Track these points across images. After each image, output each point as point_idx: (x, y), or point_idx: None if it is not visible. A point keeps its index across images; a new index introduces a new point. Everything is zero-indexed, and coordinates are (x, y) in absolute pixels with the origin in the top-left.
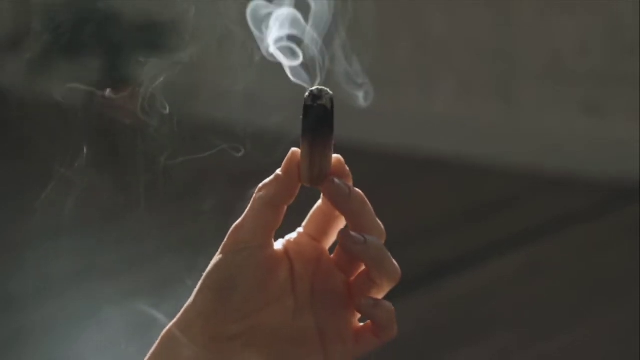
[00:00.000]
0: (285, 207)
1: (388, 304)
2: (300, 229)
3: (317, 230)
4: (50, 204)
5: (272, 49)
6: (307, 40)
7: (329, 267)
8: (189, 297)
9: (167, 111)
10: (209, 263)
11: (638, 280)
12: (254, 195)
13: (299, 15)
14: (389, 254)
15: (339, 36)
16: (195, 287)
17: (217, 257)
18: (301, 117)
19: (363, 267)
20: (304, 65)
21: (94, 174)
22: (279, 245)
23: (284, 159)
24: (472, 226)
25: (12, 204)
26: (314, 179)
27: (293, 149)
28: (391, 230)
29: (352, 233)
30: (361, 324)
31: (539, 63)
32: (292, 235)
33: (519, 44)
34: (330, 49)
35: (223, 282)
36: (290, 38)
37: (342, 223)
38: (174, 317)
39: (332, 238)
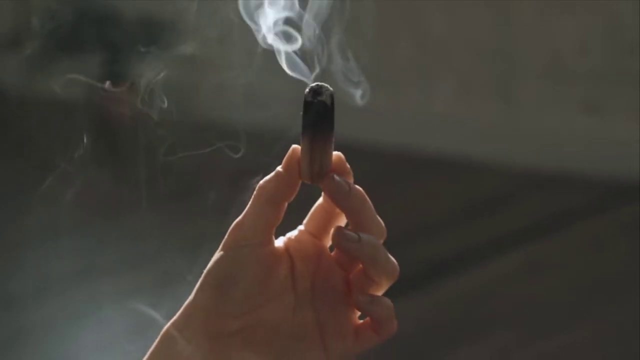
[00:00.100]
0: (286, 204)
1: (386, 300)
2: (301, 227)
3: (318, 227)
4: (50, 203)
5: (269, 35)
6: (304, 27)
7: (329, 264)
8: (189, 295)
9: (166, 106)
10: (209, 261)
11: (637, 278)
12: (255, 192)
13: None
14: (385, 251)
15: (337, 33)
16: (195, 284)
17: (217, 254)
18: (301, 113)
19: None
20: (300, 55)
21: (93, 173)
22: (279, 242)
23: (284, 156)
24: (472, 225)
25: (12, 204)
26: (314, 176)
27: (294, 145)
28: (391, 229)
29: (346, 231)
30: (361, 321)
31: (539, 63)
32: (293, 233)
33: (519, 43)
34: (328, 39)
35: (223, 278)
36: (287, 22)
37: (343, 220)
38: (174, 315)
39: None
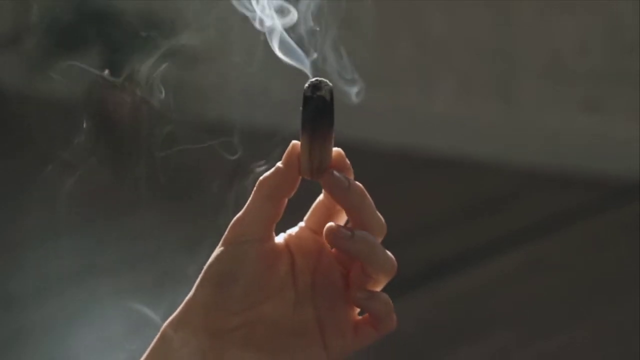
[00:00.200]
0: (286, 200)
1: (384, 296)
2: (302, 223)
3: (318, 224)
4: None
5: (263, 14)
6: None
7: (329, 260)
8: (188, 293)
9: (164, 96)
10: (208, 259)
11: (637, 278)
12: (255, 187)
13: None
14: (382, 247)
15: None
16: (195, 281)
17: (217, 250)
18: (300, 108)
19: None
20: (295, 39)
21: (93, 171)
22: (280, 238)
23: (284, 152)
24: (472, 225)
25: (12, 203)
26: (314, 172)
27: (294, 141)
28: (391, 229)
29: (338, 229)
30: (360, 317)
31: (539, 63)
32: (293, 229)
33: (519, 43)
34: (326, 27)
35: (223, 274)
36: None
37: (343, 217)
38: (174, 312)
39: None
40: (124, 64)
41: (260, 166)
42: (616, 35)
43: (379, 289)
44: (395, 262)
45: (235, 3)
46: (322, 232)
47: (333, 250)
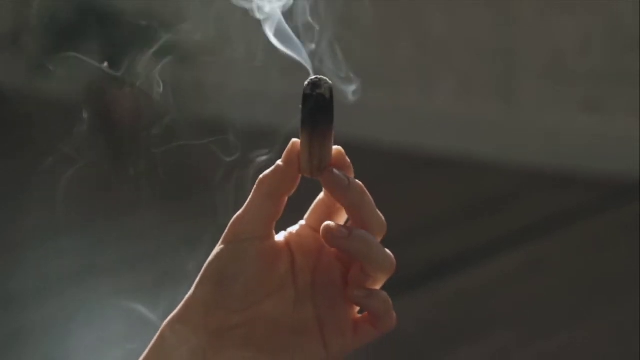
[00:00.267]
0: (286, 198)
1: (383, 294)
2: (302, 221)
3: (319, 222)
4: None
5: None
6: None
7: (330, 259)
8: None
9: (164, 101)
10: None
11: (637, 278)
12: (255, 185)
13: None
14: (380, 245)
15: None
16: (194, 280)
17: (217, 248)
18: (300, 106)
19: None
20: (292, 27)
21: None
22: (280, 237)
23: (284, 150)
24: (472, 224)
25: (11, 203)
26: (313, 170)
27: (293, 139)
28: (391, 229)
29: (335, 228)
30: (360, 316)
31: (539, 62)
32: (294, 228)
33: (519, 43)
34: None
35: (224, 273)
36: None
37: (344, 215)
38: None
39: None
40: (122, 60)
41: (260, 164)
42: (616, 35)
43: (378, 287)
44: (394, 260)
45: None
46: None
47: (333, 248)
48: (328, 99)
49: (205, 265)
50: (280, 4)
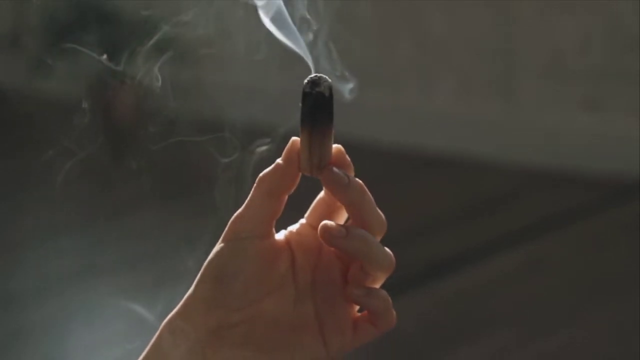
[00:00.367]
0: (286, 196)
1: (382, 293)
2: (302, 220)
3: (319, 220)
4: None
5: None
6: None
7: (330, 258)
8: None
9: (164, 100)
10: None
11: (637, 278)
12: (255, 184)
13: None
14: (378, 243)
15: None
16: (195, 278)
17: (218, 246)
18: (300, 104)
19: None
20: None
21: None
22: (280, 235)
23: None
24: (472, 224)
25: (12, 203)
26: (313, 168)
27: (293, 137)
28: (390, 228)
29: (332, 227)
30: (360, 314)
31: (539, 62)
32: (294, 226)
33: (520, 43)
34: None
35: (223, 271)
36: None
37: (344, 214)
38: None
39: None
40: (120, 57)
41: (259, 163)
42: (616, 34)
43: (377, 285)
44: (393, 259)
45: None
46: None
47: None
48: (327, 97)
49: (205, 263)
50: None
